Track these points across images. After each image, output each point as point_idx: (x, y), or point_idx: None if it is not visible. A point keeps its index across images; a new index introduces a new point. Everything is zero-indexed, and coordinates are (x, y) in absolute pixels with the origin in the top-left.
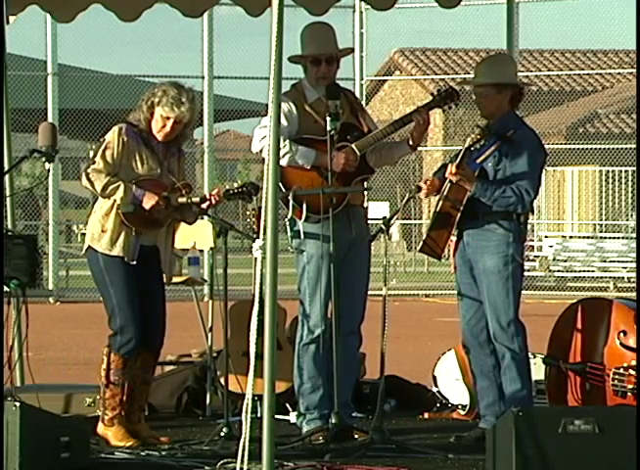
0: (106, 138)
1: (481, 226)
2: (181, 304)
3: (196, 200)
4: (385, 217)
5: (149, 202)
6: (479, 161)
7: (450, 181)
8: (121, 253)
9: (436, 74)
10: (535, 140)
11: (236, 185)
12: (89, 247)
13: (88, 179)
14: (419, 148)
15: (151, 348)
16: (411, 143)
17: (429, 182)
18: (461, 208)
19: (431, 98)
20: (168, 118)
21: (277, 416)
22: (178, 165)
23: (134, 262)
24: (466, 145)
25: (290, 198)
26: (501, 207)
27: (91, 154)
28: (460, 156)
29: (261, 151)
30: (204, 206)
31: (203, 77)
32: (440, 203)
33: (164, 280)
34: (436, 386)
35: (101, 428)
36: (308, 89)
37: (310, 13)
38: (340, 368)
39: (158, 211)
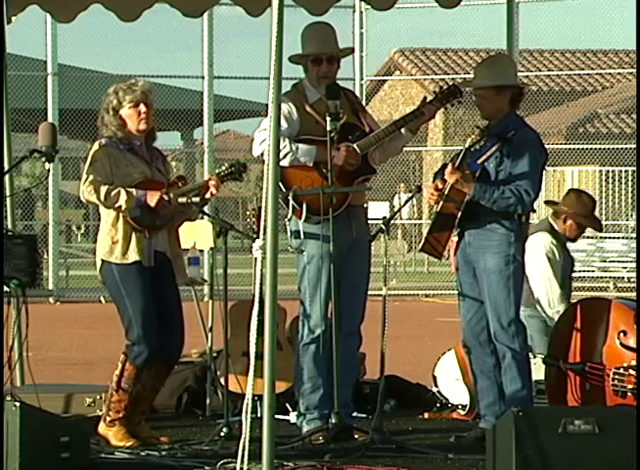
0: (89, 154)
1: (483, 226)
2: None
3: (196, 200)
4: (385, 217)
5: (153, 198)
6: (480, 161)
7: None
8: (138, 257)
9: (436, 74)
10: (536, 140)
11: (224, 167)
12: (103, 261)
13: (88, 193)
14: (419, 148)
15: (167, 359)
16: (411, 131)
17: (438, 188)
18: (462, 207)
19: (434, 96)
20: (137, 104)
21: (277, 416)
22: (165, 168)
23: (152, 264)
24: (466, 145)
25: (290, 198)
26: (501, 208)
27: (83, 173)
28: (460, 157)
29: (262, 154)
30: (207, 196)
31: (203, 77)
32: (441, 203)
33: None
34: (436, 386)
35: (102, 427)
36: (309, 89)
37: (310, 13)
38: (339, 368)
39: (163, 206)
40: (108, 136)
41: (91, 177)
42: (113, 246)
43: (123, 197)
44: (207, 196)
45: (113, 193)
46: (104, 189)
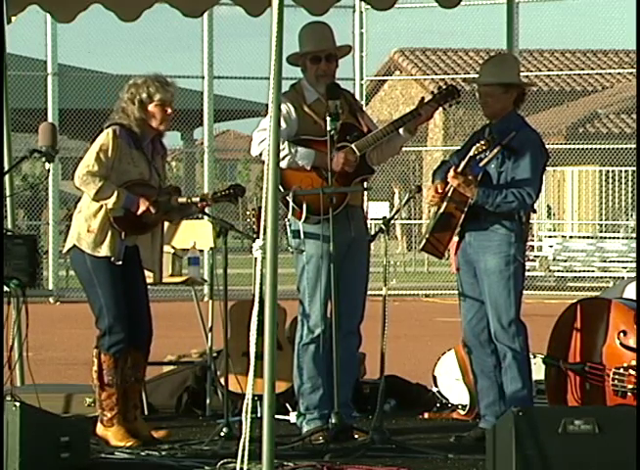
0: (99, 140)
1: (484, 226)
2: (181, 304)
3: (196, 200)
4: (385, 217)
5: (140, 207)
6: (481, 164)
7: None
8: (108, 253)
9: (436, 74)
10: (537, 141)
11: (223, 188)
12: (74, 246)
13: (83, 182)
14: (419, 148)
15: (140, 346)
16: (409, 131)
17: (439, 189)
18: (465, 209)
19: (431, 96)
20: (165, 104)
21: (277, 416)
22: (162, 163)
23: (120, 263)
24: (470, 153)
25: (289, 199)
26: (503, 211)
27: (87, 154)
28: (464, 163)
29: (261, 154)
30: (199, 205)
31: (203, 77)
32: (444, 203)
33: (155, 280)
34: (436, 386)
35: (100, 429)
36: (308, 89)
37: (310, 13)
38: (339, 368)
39: (146, 216)
40: (122, 124)
41: (91, 167)
42: (87, 234)
43: (113, 199)
44: (200, 206)
45: (106, 191)
46: (98, 184)
